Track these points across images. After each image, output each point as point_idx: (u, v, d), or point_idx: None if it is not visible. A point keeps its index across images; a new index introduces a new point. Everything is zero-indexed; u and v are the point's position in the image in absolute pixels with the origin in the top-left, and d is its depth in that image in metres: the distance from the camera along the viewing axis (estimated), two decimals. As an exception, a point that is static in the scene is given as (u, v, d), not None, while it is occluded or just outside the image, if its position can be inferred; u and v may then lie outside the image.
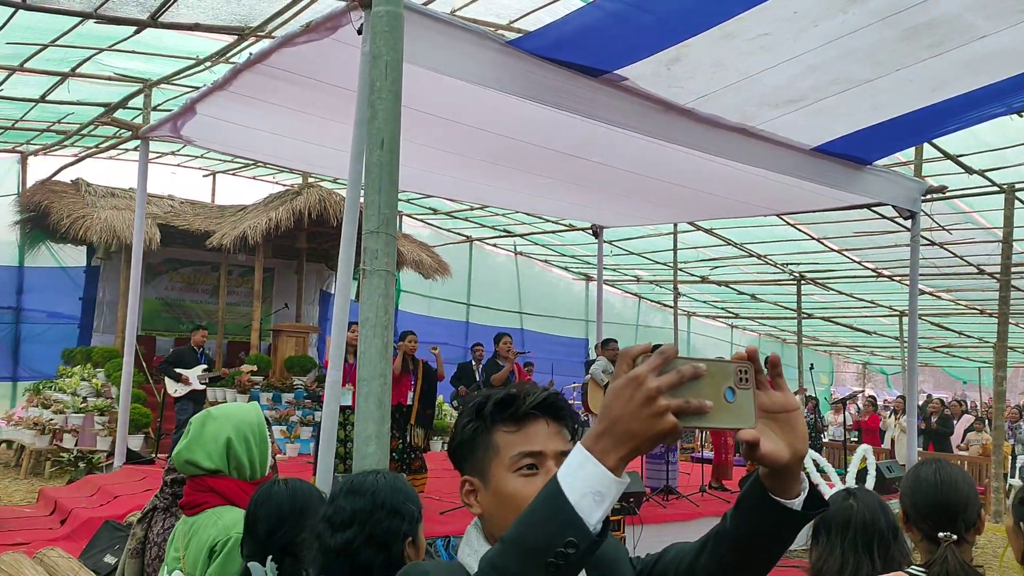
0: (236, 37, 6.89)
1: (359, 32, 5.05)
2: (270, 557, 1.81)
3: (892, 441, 11.73)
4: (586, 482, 0.91)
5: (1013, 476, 12.68)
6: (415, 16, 4.97)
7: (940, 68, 5.87)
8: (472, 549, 1.22)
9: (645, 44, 5.60)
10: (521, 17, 6.94)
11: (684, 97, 6.29)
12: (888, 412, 13.94)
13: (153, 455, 9.27)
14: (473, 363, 10.17)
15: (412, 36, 4.71)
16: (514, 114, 6.51)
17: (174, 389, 9.01)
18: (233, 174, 14.81)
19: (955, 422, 14.27)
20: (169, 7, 6.13)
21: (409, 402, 7.66)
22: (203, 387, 9.18)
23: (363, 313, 4.21)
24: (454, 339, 16.61)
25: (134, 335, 8.26)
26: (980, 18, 5.22)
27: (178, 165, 14.01)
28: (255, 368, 9.84)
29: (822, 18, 5.19)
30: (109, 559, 4.27)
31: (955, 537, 1.88)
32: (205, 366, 9.30)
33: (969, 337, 21.81)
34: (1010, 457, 12.98)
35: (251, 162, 12.80)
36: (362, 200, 4.94)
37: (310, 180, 12.19)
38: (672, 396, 0.91)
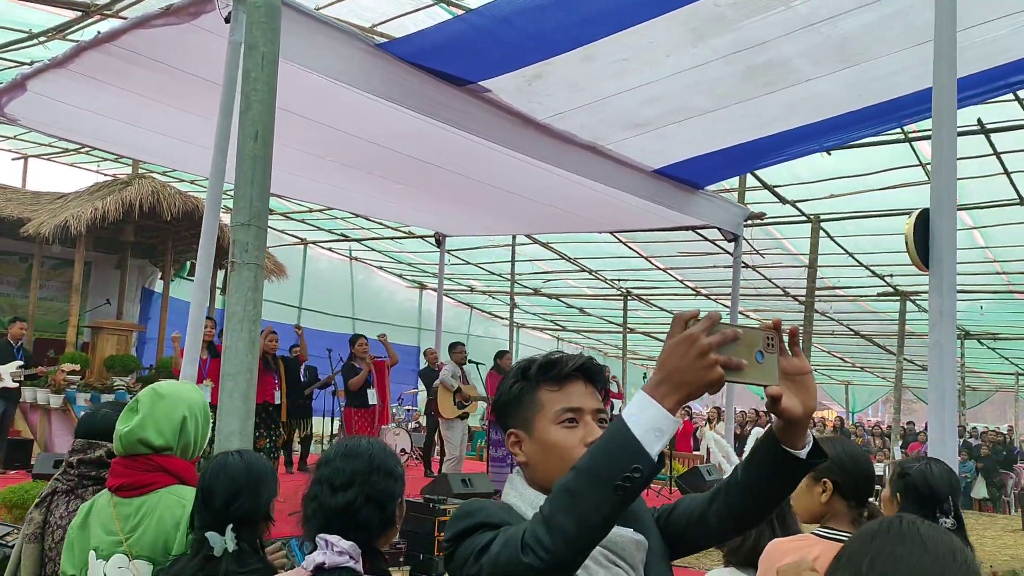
0: (80, 13, 6.47)
1: (227, 20, 4.95)
2: (229, 526, 1.81)
3: (707, 449, 12.61)
4: (649, 420, 1.10)
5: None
6: (287, 10, 4.91)
7: (769, 106, 6.47)
8: (517, 492, 1.40)
9: (510, 59, 5.81)
10: (384, 22, 6.98)
11: (542, 113, 6.56)
12: (703, 422, 14.95)
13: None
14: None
15: (283, 30, 4.65)
16: (370, 116, 6.51)
17: (-19, 387, 8.25)
18: (48, 159, 13.73)
19: (758, 429, 15.56)
20: (9, -26, 5.69)
21: (276, 400, 7.50)
22: (16, 384, 8.45)
23: (230, 307, 4.12)
24: (284, 343, 16.17)
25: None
26: (808, 63, 5.82)
27: (-16, 145, 12.85)
28: (77, 367, 9.17)
29: (674, 50, 5.59)
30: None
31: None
32: (21, 362, 8.56)
33: (770, 354, 23.71)
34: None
35: (73, 147, 11.93)
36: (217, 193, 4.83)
37: (140, 170, 11.53)
38: (717, 353, 1.11)
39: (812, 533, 2.22)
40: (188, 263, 13.35)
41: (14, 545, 4.90)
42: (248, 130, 4.17)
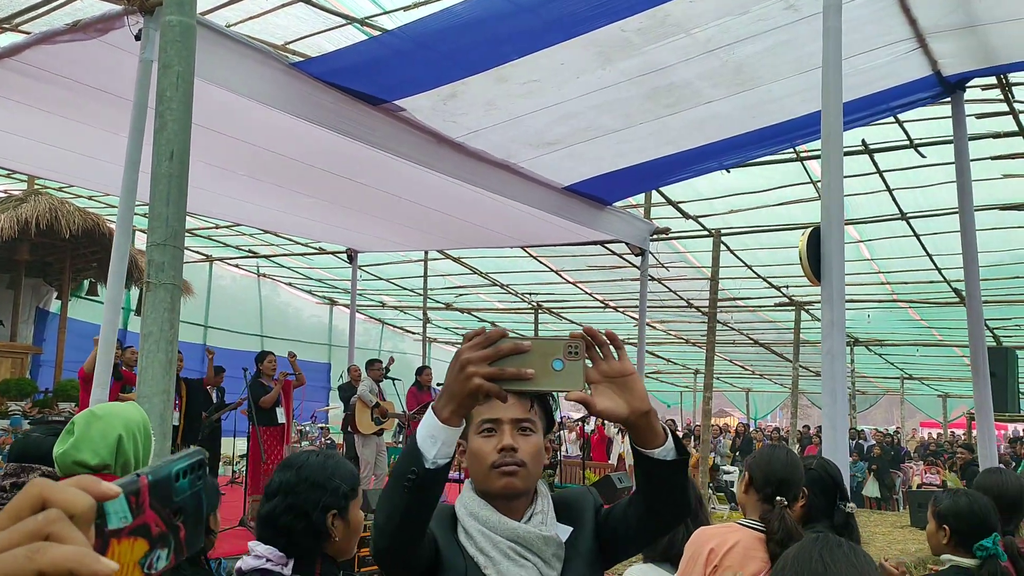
0: (-25, 26, 6.26)
1: (137, 38, 4.90)
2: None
3: (620, 456, 12.94)
4: (426, 429, 1.28)
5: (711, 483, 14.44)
6: (201, 29, 4.90)
7: (673, 126, 6.78)
8: (461, 498, 1.58)
9: (425, 79, 5.92)
10: (297, 39, 6.98)
11: (456, 131, 6.69)
12: (616, 430, 15.28)
13: None
14: None
15: (197, 49, 4.64)
16: (283, 131, 6.48)
17: None
18: (-69, 174, 13.04)
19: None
20: (-100, -15, 5.46)
21: (175, 422, 7.33)
22: None
23: (145, 327, 4.06)
24: (191, 363, 15.73)
25: None
26: (708, 86, 6.14)
27: None
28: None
29: (583, 71, 5.82)
30: None
31: (786, 502, 2.43)
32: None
33: (675, 364, 24.45)
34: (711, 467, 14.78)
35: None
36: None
37: (36, 186, 11.11)
38: (495, 366, 1.20)
39: (735, 523, 2.45)
40: (87, 282, 12.89)
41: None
42: (163, 150, 4.14)
